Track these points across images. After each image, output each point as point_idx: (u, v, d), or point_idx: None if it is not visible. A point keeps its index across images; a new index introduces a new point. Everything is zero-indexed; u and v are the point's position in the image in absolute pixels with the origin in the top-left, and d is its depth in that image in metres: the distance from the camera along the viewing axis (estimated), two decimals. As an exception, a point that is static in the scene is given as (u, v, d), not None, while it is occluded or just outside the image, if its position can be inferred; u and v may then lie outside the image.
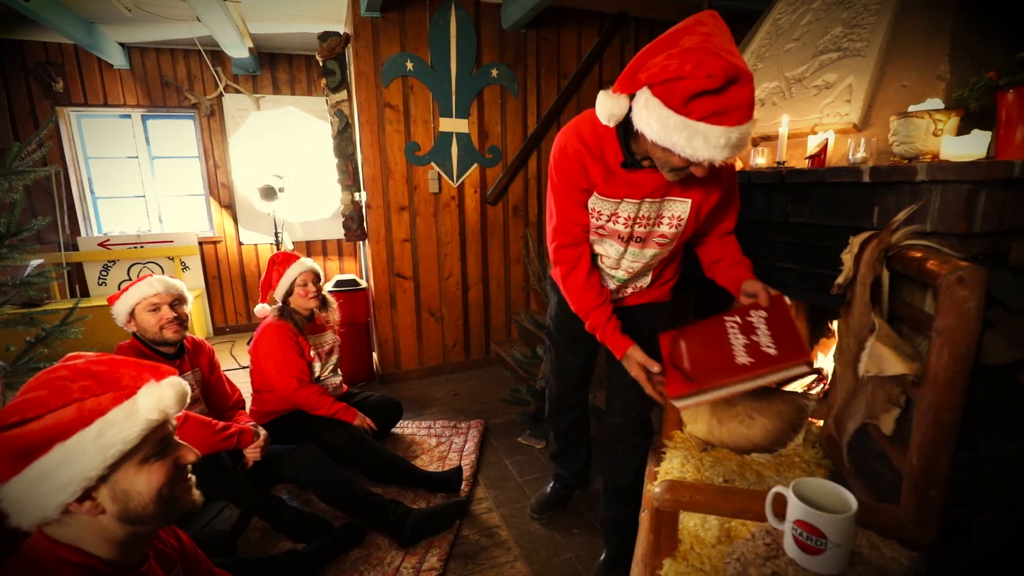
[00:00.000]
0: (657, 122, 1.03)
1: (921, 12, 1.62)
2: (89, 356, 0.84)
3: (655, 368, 1.28)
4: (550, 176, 1.37)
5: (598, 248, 1.44)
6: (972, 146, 1.20)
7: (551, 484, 2.11)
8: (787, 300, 1.24)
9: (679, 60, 0.98)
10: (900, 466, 0.96)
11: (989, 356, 1.28)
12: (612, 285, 1.51)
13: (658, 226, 1.35)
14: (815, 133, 1.70)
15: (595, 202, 1.33)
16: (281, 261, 2.33)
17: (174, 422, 0.86)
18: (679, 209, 1.32)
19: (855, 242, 1.15)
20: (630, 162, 1.25)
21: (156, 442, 0.82)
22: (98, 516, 0.78)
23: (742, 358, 1.08)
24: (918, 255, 0.97)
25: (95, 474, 0.75)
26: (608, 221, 1.35)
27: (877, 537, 0.84)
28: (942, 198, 1.19)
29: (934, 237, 1.20)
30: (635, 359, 1.32)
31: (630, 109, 1.10)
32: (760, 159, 1.81)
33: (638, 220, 1.33)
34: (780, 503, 0.85)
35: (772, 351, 1.06)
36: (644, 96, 1.05)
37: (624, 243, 1.39)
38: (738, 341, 1.15)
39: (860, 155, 1.42)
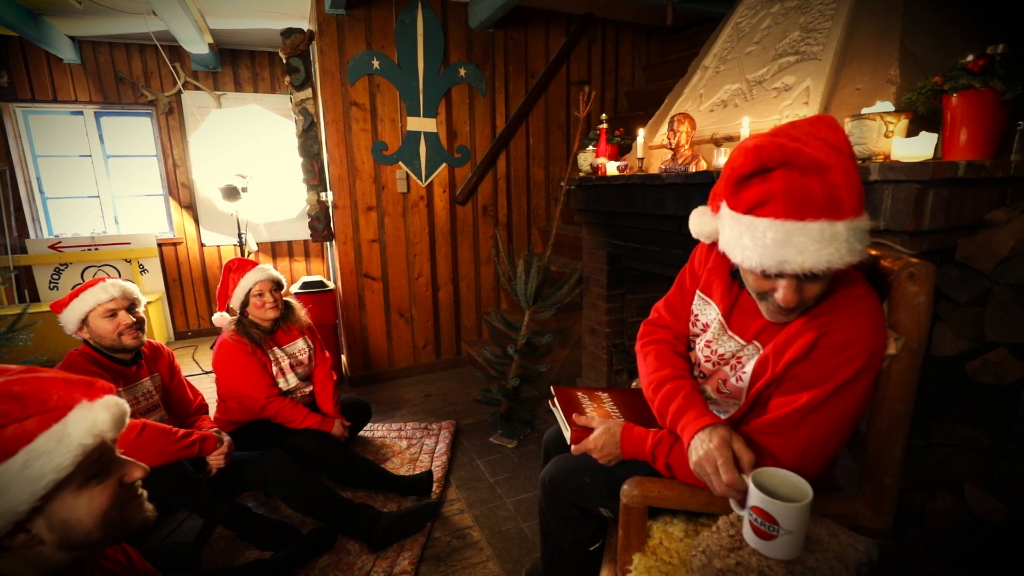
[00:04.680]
0: (725, 224, 0.89)
1: (872, 17, 1.68)
2: (8, 372, 0.75)
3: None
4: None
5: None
6: (920, 147, 1.25)
7: None
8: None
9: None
10: (858, 456, 1.00)
11: (939, 348, 1.34)
12: None
13: (727, 366, 1.06)
14: (775, 134, 1.75)
15: (696, 303, 1.14)
16: (237, 268, 2.17)
17: (113, 436, 0.78)
18: (750, 356, 1.01)
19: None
20: (735, 272, 1.01)
21: (94, 463, 0.74)
22: (36, 547, 0.72)
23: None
24: (873, 252, 1.00)
25: (25, 508, 0.68)
26: (698, 329, 1.13)
27: (835, 524, 0.87)
28: (893, 197, 1.24)
29: (886, 234, 1.25)
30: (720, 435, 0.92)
31: None
32: (723, 159, 1.85)
33: (713, 340, 1.08)
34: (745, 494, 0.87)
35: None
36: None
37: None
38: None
39: (817, 155, 1.46)
